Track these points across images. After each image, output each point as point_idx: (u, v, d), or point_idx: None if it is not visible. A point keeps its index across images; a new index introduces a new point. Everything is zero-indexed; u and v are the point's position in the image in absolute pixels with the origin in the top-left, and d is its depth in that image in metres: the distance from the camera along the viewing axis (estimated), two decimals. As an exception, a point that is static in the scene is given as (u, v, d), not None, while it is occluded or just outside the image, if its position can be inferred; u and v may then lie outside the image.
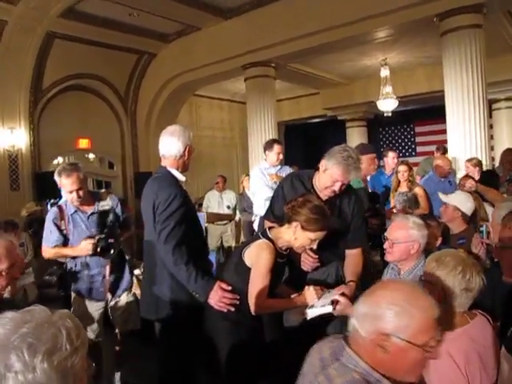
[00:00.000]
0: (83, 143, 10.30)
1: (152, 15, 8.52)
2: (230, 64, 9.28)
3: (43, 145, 9.48)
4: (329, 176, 2.67)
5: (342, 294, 2.46)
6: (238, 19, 8.93)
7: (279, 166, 4.95)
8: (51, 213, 3.40)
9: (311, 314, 2.45)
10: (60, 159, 11.02)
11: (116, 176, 11.29)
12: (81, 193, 3.25)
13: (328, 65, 10.35)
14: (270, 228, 2.56)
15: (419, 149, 13.15)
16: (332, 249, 2.79)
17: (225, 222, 8.27)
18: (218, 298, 2.46)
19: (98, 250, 3.20)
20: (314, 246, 2.47)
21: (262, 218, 3.28)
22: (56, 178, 3.25)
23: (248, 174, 8.35)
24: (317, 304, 2.46)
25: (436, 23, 7.05)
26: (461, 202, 3.52)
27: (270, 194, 3.38)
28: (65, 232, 3.34)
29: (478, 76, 6.84)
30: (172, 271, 2.59)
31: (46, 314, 0.98)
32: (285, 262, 2.58)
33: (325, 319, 2.63)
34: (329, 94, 12.55)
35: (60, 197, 10.85)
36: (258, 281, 2.39)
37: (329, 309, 2.41)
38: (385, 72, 9.97)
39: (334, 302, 2.42)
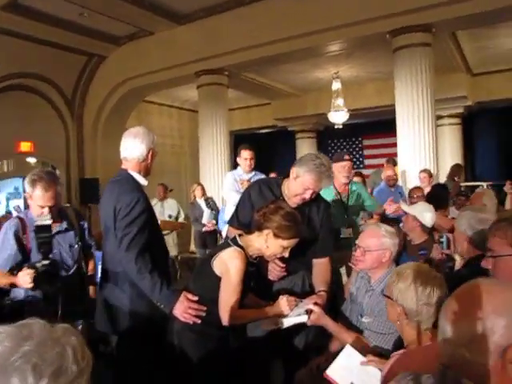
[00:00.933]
0: (25, 146, 9.80)
1: (103, 16, 8.23)
2: (182, 70, 9.14)
3: (-21, 147, 8.95)
4: (300, 183, 2.61)
5: (315, 304, 2.41)
6: (191, 25, 8.81)
7: (253, 173, 4.81)
8: (11, 224, 2.79)
9: (287, 323, 2.40)
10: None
11: (59, 181, 10.81)
12: (54, 209, 2.74)
13: (281, 76, 10.42)
14: (239, 235, 2.46)
15: (367, 161, 13.47)
16: (299, 258, 2.72)
17: (166, 231, 7.99)
18: (183, 308, 2.33)
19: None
20: (286, 254, 2.40)
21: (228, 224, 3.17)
22: (27, 186, 2.72)
23: (199, 183, 8.20)
24: (291, 314, 2.41)
25: (388, 40, 7.24)
26: (420, 212, 3.56)
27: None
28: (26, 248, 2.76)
29: (428, 92, 7.11)
30: (135, 280, 2.43)
31: (47, 329, 0.83)
32: (253, 271, 2.48)
33: (290, 331, 2.57)
34: (280, 104, 12.64)
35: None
36: (229, 291, 2.28)
37: (304, 318, 2.39)
38: (336, 85, 10.14)
39: (308, 312, 2.38)
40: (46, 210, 2.71)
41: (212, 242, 7.38)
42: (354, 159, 13.67)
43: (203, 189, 7.85)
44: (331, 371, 2.08)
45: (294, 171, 2.65)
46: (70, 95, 10.37)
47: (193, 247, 8.57)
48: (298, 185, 2.62)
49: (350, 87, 10.67)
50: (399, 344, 2.26)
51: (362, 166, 13.33)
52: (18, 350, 0.77)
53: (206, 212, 7.41)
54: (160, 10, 8.35)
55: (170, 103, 13.22)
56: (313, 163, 2.58)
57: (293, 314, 2.41)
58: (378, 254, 2.48)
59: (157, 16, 8.51)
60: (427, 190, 6.16)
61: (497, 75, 10.50)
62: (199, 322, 2.33)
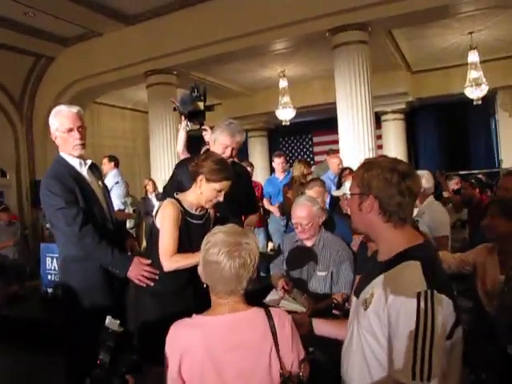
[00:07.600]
0: (-29, 150, 9.66)
1: (50, 16, 8.24)
2: (131, 71, 9.26)
3: None
4: (219, 145, 2.96)
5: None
6: (139, 26, 8.96)
7: None
8: None
9: (286, 305, 2.53)
10: None
11: (9, 185, 10.67)
12: None
13: (229, 75, 10.64)
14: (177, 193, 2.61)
15: (317, 158, 13.81)
16: None
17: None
18: (137, 271, 2.48)
19: None
20: (221, 198, 2.50)
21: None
22: None
23: (151, 179, 8.34)
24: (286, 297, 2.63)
25: (328, 38, 7.60)
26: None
27: None
28: None
29: (365, 88, 7.46)
30: (87, 256, 2.57)
31: None
32: (204, 224, 2.58)
33: None
34: (231, 104, 12.80)
35: None
36: (164, 235, 2.41)
37: (302, 309, 2.52)
38: (283, 83, 10.44)
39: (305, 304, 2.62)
40: None
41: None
42: (305, 156, 14.06)
43: (154, 184, 8.00)
44: None
45: (211, 139, 3.05)
46: (17, 97, 10.28)
47: (145, 243, 8.67)
48: (217, 147, 2.97)
49: (297, 85, 10.96)
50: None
51: (312, 162, 13.64)
52: None
53: (157, 205, 7.54)
54: (108, 11, 8.47)
55: (122, 105, 13.22)
56: (224, 124, 2.99)
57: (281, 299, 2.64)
58: (315, 222, 2.93)
59: (104, 17, 8.61)
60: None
61: (433, 73, 11.05)
62: (152, 284, 2.47)
